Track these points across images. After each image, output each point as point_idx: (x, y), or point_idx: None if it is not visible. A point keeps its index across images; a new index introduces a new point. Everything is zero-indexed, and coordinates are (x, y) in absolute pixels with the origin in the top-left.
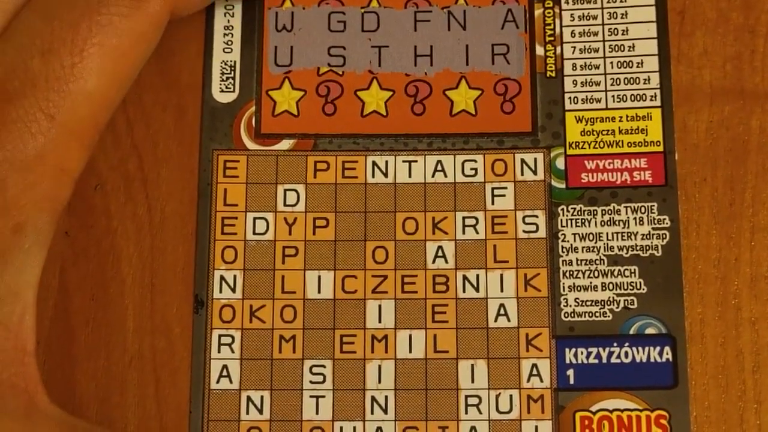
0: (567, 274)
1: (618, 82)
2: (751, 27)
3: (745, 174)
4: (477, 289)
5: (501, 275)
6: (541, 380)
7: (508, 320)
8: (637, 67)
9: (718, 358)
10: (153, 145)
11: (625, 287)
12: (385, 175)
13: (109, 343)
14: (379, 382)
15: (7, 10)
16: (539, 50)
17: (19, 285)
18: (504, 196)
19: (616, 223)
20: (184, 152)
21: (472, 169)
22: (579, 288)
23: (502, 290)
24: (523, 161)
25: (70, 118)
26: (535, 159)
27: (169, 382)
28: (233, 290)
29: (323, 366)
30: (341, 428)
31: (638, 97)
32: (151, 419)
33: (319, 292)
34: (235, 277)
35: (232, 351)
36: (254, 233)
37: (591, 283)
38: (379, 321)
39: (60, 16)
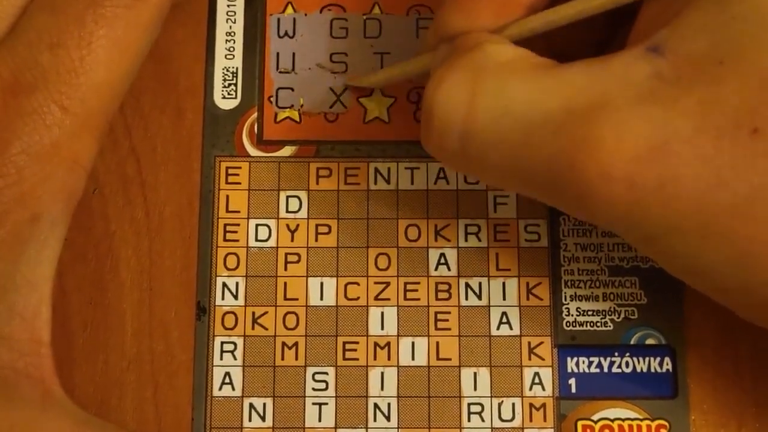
0: (569, 284)
1: None
2: None
3: None
4: (479, 297)
5: (503, 283)
6: (543, 389)
7: (511, 328)
8: None
9: (717, 364)
10: (151, 148)
11: (626, 298)
12: (388, 181)
13: (107, 346)
14: (382, 389)
15: (13, 10)
16: None
17: (35, 276)
18: (506, 204)
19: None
20: (182, 155)
21: None
22: (580, 297)
23: (504, 298)
24: None
25: (82, 110)
26: None
27: (168, 386)
28: (235, 297)
29: (326, 373)
30: None
31: None
32: (149, 422)
33: (321, 299)
34: (237, 283)
35: (235, 358)
36: (256, 240)
37: (592, 293)
38: (382, 328)
39: (65, 10)
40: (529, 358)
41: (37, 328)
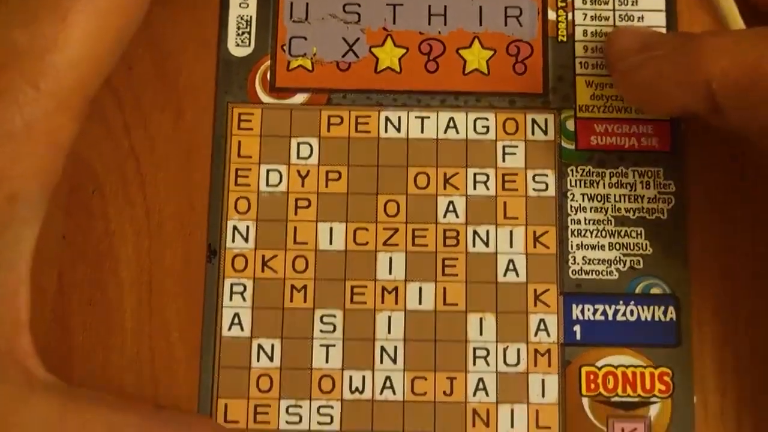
0: (575, 233)
1: None
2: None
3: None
4: (487, 244)
5: (510, 231)
6: (548, 335)
7: (517, 275)
8: None
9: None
10: (151, 147)
11: (632, 248)
12: (398, 130)
13: (107, 346)
14: (389, 332)
15: None
16: (551, 15)
17: (13, 257)
18: (515, 154)
19: (624, 185)
20: (181, 154)
21: (483, 126)
22: (586, 247)
23: (511, 246)
24: (534, 121)
25: (57, 88)
26: (546, 120)
27: (167, 385)
28: (246, 240)
29: (334, 316)
30: (350, 377)
31: None
32: None
33: (330, 243)
34: (248, 227)
35: (244, 300)
36: (267, 185)
37: (598, 242)
38: (390, 273)
39: None
40: (535, 305)
41: (16, 308)
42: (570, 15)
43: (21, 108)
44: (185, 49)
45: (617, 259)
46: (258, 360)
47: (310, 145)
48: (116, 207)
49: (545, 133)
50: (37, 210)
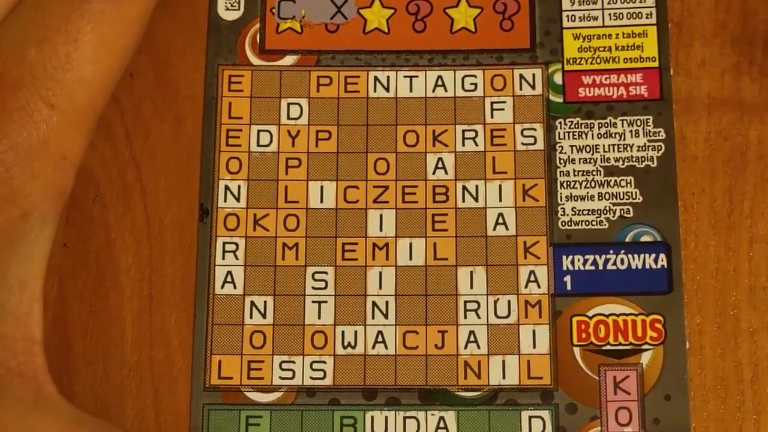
0: (564, 185)
1: (614, 1)
2: (749, 38)
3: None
4: (476, 199)
5: (500, 186)
6: (539, 286)
7: (507, 229)
8: None
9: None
10: (151, 156)
11: (621, 197)
12: (387, 89)
13: (108, 354)
14: (380, 288)
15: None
16: None
17: (27, 275)
18: (503, 110)
19: (613, 135)
20: (182, 164)
21: (471, 83)
22: (576, 198)
23: (500, 200)
24: (521, 76)
25: (70, 107)
26: (534, 74)
27: (168, 393)
28: (237, 199)
29: (325, 272)
30: (343, 332)
31: (634, 15)
32: (149, 430)
33: (321, 201)
34: (239, 187)
35: (236, 258)
36: (258, 145)
37: (588, 193)
38: (380, 230)
39: (51, 6)
40: (525, 257)
41: (30, 326)
42: None
43: (36, 125)
44: (186, 59)
45: (607, 208)
46: (251, 317)
47: (300, 106)
48: (117, 215)
49: (533, 87)
50: (49, 228)
